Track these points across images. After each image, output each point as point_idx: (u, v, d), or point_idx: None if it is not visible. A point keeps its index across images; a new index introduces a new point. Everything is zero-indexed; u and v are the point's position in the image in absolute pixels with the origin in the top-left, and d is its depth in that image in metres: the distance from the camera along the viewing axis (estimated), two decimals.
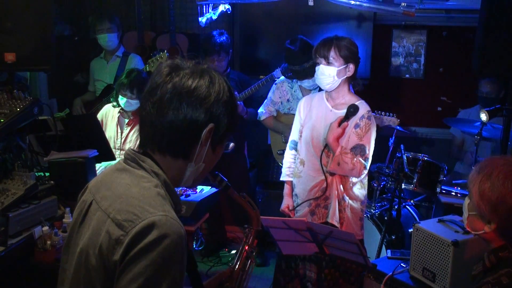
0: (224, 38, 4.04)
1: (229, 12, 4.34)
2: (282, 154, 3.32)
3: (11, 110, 2.55)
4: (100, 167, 3.34)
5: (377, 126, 2.93)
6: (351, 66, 2.78)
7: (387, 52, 4.69)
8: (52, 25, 2.92)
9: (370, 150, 2.81)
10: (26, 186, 2.48)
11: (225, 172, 1.53)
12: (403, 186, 3.47)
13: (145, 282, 1.12)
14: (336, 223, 2.81)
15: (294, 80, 3.80)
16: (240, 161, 4.30)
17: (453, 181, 3.56)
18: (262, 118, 4.02)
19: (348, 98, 2.86)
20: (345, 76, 2.79)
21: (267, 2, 4.20)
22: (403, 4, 3.63)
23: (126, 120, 3.65)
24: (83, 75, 4.91)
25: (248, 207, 1.74)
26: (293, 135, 3.08)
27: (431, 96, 4.69)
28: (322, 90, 3.00)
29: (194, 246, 4.39)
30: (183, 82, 1.26)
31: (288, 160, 3.10)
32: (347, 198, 2.85)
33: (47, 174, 2.78)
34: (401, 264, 2.51)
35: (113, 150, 3.49)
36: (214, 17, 4.25)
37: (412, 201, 3.91)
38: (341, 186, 2.84)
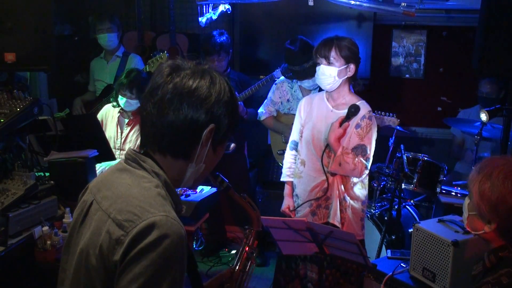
0: (224, 38, 4.04)
1: (229, 12, 4.34)
2: (282, 154, 3.32)
3: (11, 110, 2.55)
4: (100, 167, 3.34)
5: (377, 126, 2.93)
6: (352, 66, 2.78)
7: (387, 52, 4.69)
8: (52, 25, 2.92)
9: (371, 150, 2.81)
10: (26, 186, 2.48)
11: (225, 172, 1.53)
12: (403, 186, 3.47)
13: (146, 283, 1.12)
14: (337, 223, 2.81)
15: (294, 80, 3.80)
16: (240, 161, 4.30)
17: (454, 182, 3.56)
18: (262, 118, 4.02)
19: (348, 98, 2.86)
20: (346, 76, 2.79)
21: (267, 2, 4.20)
22: (403, 4, 3.63)
23: (126, 120, 3.65)
24: (83, 75, 4.91)
25: (249, 208, 1.74)
26: (294, 136, 3.08)
27: (431, 96, 4.69)
28: (322, 90, 3.00)
29: (194, 246, 4.39)
30: (184, 82, 1.26)
31: (289, 160, 3.10)
32: (348, 198, 2.85)
33: (47, 174, 2.78)
34: (401, 264, 2.51)
35: (113, 150, 3.49)
36: (214, 17, 4.25)
37: (412, 201, 3.91)
38: (342, 186, 2.84)
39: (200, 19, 4.18)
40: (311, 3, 3.86)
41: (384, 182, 3.76)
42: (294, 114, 3.16)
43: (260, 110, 4.03)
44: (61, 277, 1.36)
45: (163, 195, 1.25)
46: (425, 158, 3.53)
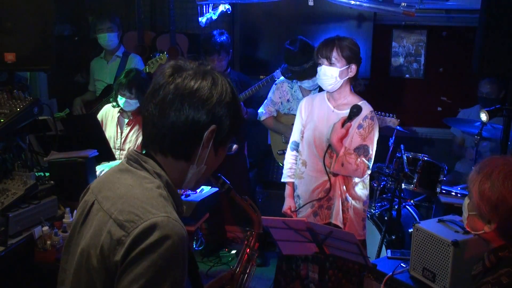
0: (225, 37, 4.04)
1: (229, 12, 4.34)
2: (282, 154, 3.32)
3: (11, 110, 2.55)
4: (100, 169, 3.35)
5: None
6: (353, 67, 2.77)
7: (387, 52, 4.69)
8: (52, 25, 2.92)
9: (373, 150, 2.81)
10: (26, 186, 2.48)
11: (225, 173, 1.53)
12: (403, 186, 3.47)
13: (146, 283, 1.12)
14: (339, 224, 2.81)
15: (294, 81, 3.80)
16: (240, 161, 4.30)
17: (456, 186, 3.55)
18: (262, 118, 4.02)
19: (350, 98, 2.85)
20: (347, 77, 2.79)
21: (267, 2, 4.20)
22: (403, 4, 3.63)
23: (126, 120, 3.65)
24: (83, 75, 4.92)
25: (250, 210, 1.74)
26: (294, 136, 3.07)
27: (431, 96, 4.69)
28: (322, 90, 3.00)
29: (194, 246, 4.39)
30: (185, 83, 1.26)
31: (289, 161, 3.09)
32: (350, 198, 2.85)
33: (47, 174, 2.78)
34: (401, 264, 2.51)
35: (113, 150, 3.49)
36: (214, 17, 4.25)
37: (412, 201, 3.91)
38: (344, 186, 2.84)
39: (200, 19, 4.18)
40: (311, 3, 3.87)
41: (384, 182, 3.76)
42: (294, 114, 3.16)
43: (260, 110, 4.03)
44: (61, 277, 1.36)
45: (165, 196, 1.25)
46: (425, 158, 3.53)
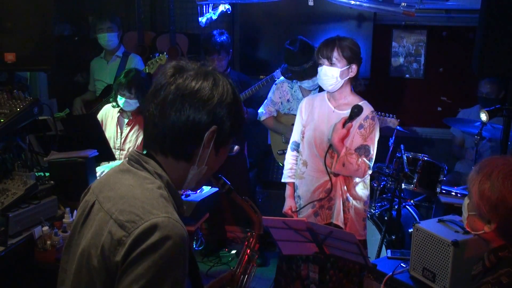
0: (225, 37, 4.04)
1: (229, 12, 4.34)
2: (282, 154, 3.32)
3: (11, 110, 2.55)
4: (101, 170, 3.35)
5: None
6: (354, 67, 2.77)
7: (387, 52, 4.69)
8: (52, 25, 2.92)
9: (374, 150, 2.81)
10: (26, 186, 2.48)
11: (225, 173, 1.53)
12: (403, 186, 3.47)
13: (147, 284, 1.12)
14: (340, 224, 2.80)
15: (294, 81, 3.80)
16: (240, 161, 4.30)
17: (458, 188, 3.55)
18: (262, 118, 4.02)
19: (350, 98, 2.85)
20: (348, 77, 2.79)
21: (267, 2, 4.20)
22: (403, 4, 3.63)
23: (126, 120, 3.65)
24: (83, 75, 4.91)
25: (251, 211, 1.74)
26: (295, 136, 3.07)
27: (431, 96, 4.69)
28: (322, 90, 3.00)
29: (194, 246, 4.39)
30: (186, 83, 1.26)
31: (290, 161, 3.08)
32: (351, 198, 2.85)
33: (47, 174, 2.78)
34: (401, 264, 2.51)
35: (113, 150, 3.49)
36: (214, 17, 4.25)
37: (412, 201, 3.91)
38: (345, 187, 2.84)
39: (200, 19, 4.18)
40: (311, 3, 3.86)
41: (384, 182, 3.76)
42: (294, 114, 3.15)
43: (260, 110, 4.03)
44: (62, 277, 1.36)
45: (166, 197, 1.25)
46: (425, 158, 3.53)
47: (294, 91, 3.85)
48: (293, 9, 4.58)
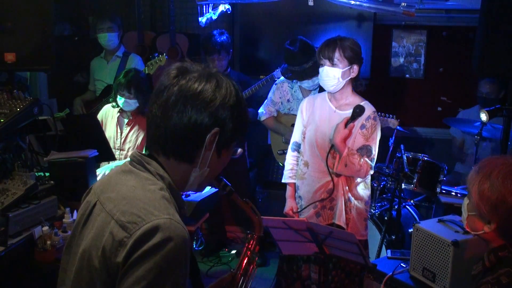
0: (225, 37, 4.05)
1: (229, 12, 4.34)
2: (283, 154, 3.31)
3: (11, 110, 2.55)
4: (101, 171, 3.35)
5: None
6: (355, 67, 2.76)
7: (387, 52, 4.69)
8: (52, 25, 2.92)
9: (376, 151, 2.81)
10: (26, 186, 2.48)
11: (225, 173, 1.53)
12: (403, 186, 3.47)
13: (148, 286, 1.12)
14: (343, 224, 2.80)
15: (294, 81, 3.80)
16: (240, 162, 4.30)
17: (457, 187, 3.55)
18: (262, 118, 4.02)
19: (351, 99, 2.85)
20: (349, 77, 2.78)
21: (267, 2, 4.20)
22: (403, 4, 3.63)
23: (126, 120, 3.65)
24: (83, 74, 4.91)
25: (251, 213, 1.74)
26: (295, 137, 3.06)
27: (431, 96, 4.69)
28: (322, 90, 2.99)
29: (194, 246, 4.39)
30: (189, 85, 1.26)
31: (290, 162, 3.07)
32: (352, 198, 2.84)
33: (47, 174, 2.78)
34: (401, 264, 2.51)
35: (113, 150, 3.49)
36: (214, 17, 4.25)
37: (412, 201, 3.91)
38: (346, 187, 2.83)
39: (200, 19, 4.18)
40: (311, 3, 3.86)
41: (384, 182, 3.76)
42: (294, 115, 3.15)
43: (260, 110, 4.03)
44: (62, 277, 1.36)
45: (167, 198, 1.24)
46: (425, 158, 3.53)
47: (294, 91, 3.85)
48: (293, 9, 4.58)
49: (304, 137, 2.96)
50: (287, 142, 3.25)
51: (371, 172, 2.82)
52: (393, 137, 3.80)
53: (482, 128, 3.52)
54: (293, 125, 3.18)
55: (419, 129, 4.75)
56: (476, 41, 2.88)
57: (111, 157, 3.36)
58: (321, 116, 2.89)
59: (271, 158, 4.41)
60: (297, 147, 3.05)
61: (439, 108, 4.69)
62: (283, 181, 3.11)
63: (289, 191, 3.07)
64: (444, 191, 3.39)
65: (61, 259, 1.37)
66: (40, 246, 2.42)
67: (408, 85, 4.73)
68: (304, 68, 3.57)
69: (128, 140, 3.62)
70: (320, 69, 2.79)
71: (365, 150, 2.77)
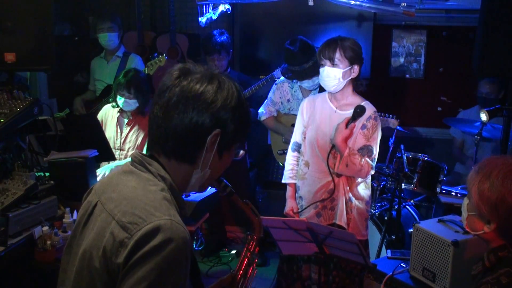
0: (225, 37, 4.05)
1: (229, 12, 4.34)
2: (283, 154, 3.31)
3: (11, 110, 2.55)
4: (102, 172, 3.35)
5: None
6: (356, 67, 2.76)
7: (387, 52, 4.69)
8: (52, 25, 2.92)
9: (377, 151, 2.81)
10: (26, 186, 2.48)
11: (225, 173, 1.53)
12: (403, 186, 3.47)
13: (149, 287, 1.12)
14: (344, 224, 2.79)
15: (294, 81, 3.80)
16: (240, 161, 4.30)
17: (455, 187, 3.55)
18: (263, 118, 4.02)
19: (352, 99, 2.85)
20: (350, 78, 2.78)
21: (267, 2, 4.20)
22: (403, 4, 3.63)
23: (126, 120, 3.65)
24: (83, 74, 4.92)
25: (251, 215, 1.75)
26: (296, 137, 3.06)
27: (431, 96, 4.69)
28: (322, 90, 2.99)
29: (194, 246, 4.39)
30: (190, 86, 1.26)
31: (290, 162, 3.07)
32: (353, 199, 2.84)
33: (47, 174, 2.78)
34: (401, 264, 2.51)
35: (113, 150, 3.49)
36: (214, 17, 4.25)
37: (412, 201, 3.91)
38: (347, 187, 2.83)
39: (200, 19, 4.18)
40: (311, 3, 3.86)
41: (384, 182, 3.76)
42: (294, 115, 3.14)
43: (261, 110, 4.03)
44: (62, 277, 1.35)
45: (168, 199, 1.24)
46: (425, 158, 3.53)
47: (294, 91, 3.85)
48: (293, 9, 4.58)
49: (304, 138, 2.96)
50: (287, 142, 3.25)
51: (372, 172, 2.82)
52: (393, 137, 3.80)
53: (482, 128, 3.52)
54: (293, 125, 3.17)
55: (419, 129, 4.75)
56: (476, 41, 2.88)
57: (111, 157, 3.36)
58: (321, 116, 2.89)
59: (271, 158, 4.41)
60: (298, 147, 3.04)
61: (439, 108, 4.69)
62: (283, 181, 3.10)
63: (289, 191, 3.07)
64: (444, 191, 3.39)
65: (61, 259, 1.37)
66: (40, 246, 2.42)
67: (408, 85, 4.73)
68: (304, 68, 3.57)
69: (128, 140, 3.62)
70: (321, 70, 2.79)
71: (366, 150, 2.77)
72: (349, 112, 2.73)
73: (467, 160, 4.18)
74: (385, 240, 3.35)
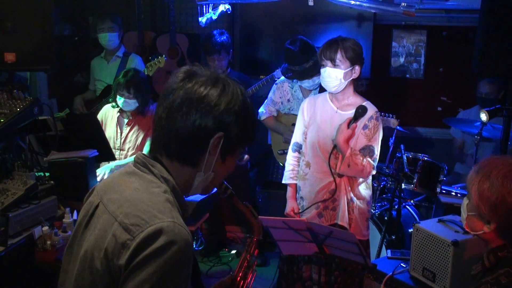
0: (225, 37, 4.05)
1: (229, 12, 4.34)
2: (283, 154, 3.30)
3: (11, 110, 2.55)
4: (103, 172, 3.35)
5: None
6: (357, 68, 2.76)
7: (387, 52, 4.69)
8: (52, 25, 2.92)
9: (378, 151, 2.81)
10: (26, 186, 2.48)
11: None
12: (403, 186, 3.47)
13: None
14: (345, 225, 2.79)
15: (295, 80, 3.80)
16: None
17: (454, 185, 3.55)
18: (263, 118, 4.02)
19: (353, 99, 2.84)
20: (351, 78, 2.78)
21: (267, 2, 4.20)
22: (403, 4, 3.63)
23: (126, 120, 3.65)
24: (83, 75, 4.92)
25: (251, 217, 1.75)
26: (296, 137, 3.05)
27: (431, 96, 4.69)
28: (322, 90, 2.99)
29: (194, 246, 4.39)
30: (195, 88, 1.26)
31: (291, 162, 3.06)
32: (355, 199, 2.84)
33: (47, 174, 2.78)
34: (401, 264, 2.51)
35: (113, 150, 3.49)
36: (214, 17, 4.25)
37: (412, 201, 3.91)
38: (349, 187, 2.83)
39: (200, 19, 4.18)
40: (311, 3, 3.86)
41: (384, 182, 3.76)
42: (295, 114, 3.14)
43: (261, 110, 4.03)
44: (62, 277, 1.35)
45: (171, 201, 1.24)
46: (425, 158, 3.52)
47: (295, 91, 3.85)
48: (293, 9, 4.58)
49: (305, 138, 2.96)
50: (287, 142, 3.25)
51: (374, 172, 2.81)
52: (393, 137, 3.80)
53: (482, 128, 3.52)
54: (293, 124, 3.17)
55: (419, 129, 4.75)
56: (476, 41, 2.88)
57: (111, 157, 3.36)
58: (322, 116, 2.89)
59: (271, 158, 4.41)
60: (298, 148, 3.04)
61: (439, 108, 4.69)
62: (283, 181, 3.10)
63: (289, 191, 3.06)
64: (444, 191, 3.39)
65: (62, 260, 1.37)
66: (40, 246, 2.43)
67: (408, 85, 4.73)
68: (304, 67, 3.57)
69: (128, 140, 3.62)
70: (322, 70, 2.78)
71: (367, 150, 2.77)
72: (350, 113, 2.73)
73: (466, 157, 4.18)
74: (385, 240, 3.35)
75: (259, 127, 4.30)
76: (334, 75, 2.74)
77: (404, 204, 3.77)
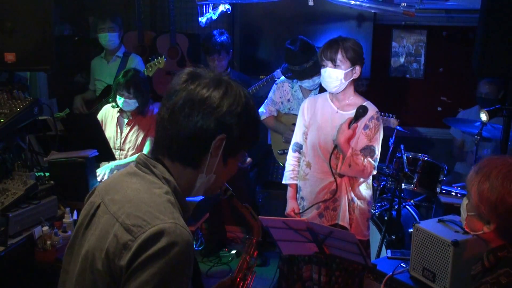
0: (225, 37, 4.05)
1: (229, 12, 4.34)
2: (283, 154, 3.30)
3: (11, 110, 2.55)
4: (103, 172, 3.35)
5: None
6: (358, 68, 2.76)
7: (387, 52, 4.69)
8: (52, 25, 2.92)
9: (379, 151, 2.81)
10: (26, 186, 2.48)
11: None
12: (403, 186, 3.47)
13: None
14: (346, 225, 2.79)
15: (295, 80, 3.80)
16: None
17: (454, 185, 3.55)
18: (263, 118, 4.02)
19: (354, 99, 2.84)
20: (352, 78, 2.78)
21: (267, 2, 4.20)
22: (403, 4, 3.63)
23: (126, 120, 3.65)
24: (83, 75, 4.92)
25: (250, 218, 1.75)
26: (297, 137, 3.05)
27: (431, 96, 4.69)
28: (322, 90, 2.99)
29: (194, 246, 4.39)
30: (197, 90, 1.26)
31: (291, 162, 3.06)
32: (355, 199, 2.84)
33: (47, 174, 2.78)
34: (401, 264, 2.51)
35: (113, 150, 3.49)
36: (214, 17, 4.25)
37: (412, 201, 3.91)
38: (349, 187, 2.83)
39: (200, 19, 4.18)
40: (311, 3, 3.86)
41: (384, 182, 3.76)
42: (295, 114, 3.14)
43: (261, 109, 4.03)
44: (63, 278, 1.35)
45: (173, 202, 1.24)
46: (425, 158, 3.53)
47: (295, 91, 3.85)
48: (293, 9, 4.58)
49: (306, 138, 2.95)
50: (288, 142, 3.24)
51: (374, 172, 2.81)
52: (393, 137, 3.80)
53: (482, 128, 3.52)
54: (293, 124, 3.17)
55: (419, 129, 4.75)
56: (476, 41, 2.88)
57: (111, 157, 3.36)
58: (323, 116, 2.89)
59: (271, 158, 4.41)
60: (298, 148, 3.04)
61: (439, 108, 4.69)
62: (284, 182, 3.09)
63: (290, 192, 3.06)
64: (444, 191, 3.39)
65: (63, 260, 1.37)
66: (40, 246, 2.43)
67: (408, 85, 4.73)
68: (304, 67, 3.57)
69: (128, 140, 3.63)
70: (323, 71, 2.78)
71: (368, 150, 2.77)
72: (351, 113, 2.73)
73: (466, 157, 4.18)
74: (385, 240, 3.35)
75: (259, 127, 4.30)
76: (335, 76, 2.73)
77: (404, 204, 3.77)
